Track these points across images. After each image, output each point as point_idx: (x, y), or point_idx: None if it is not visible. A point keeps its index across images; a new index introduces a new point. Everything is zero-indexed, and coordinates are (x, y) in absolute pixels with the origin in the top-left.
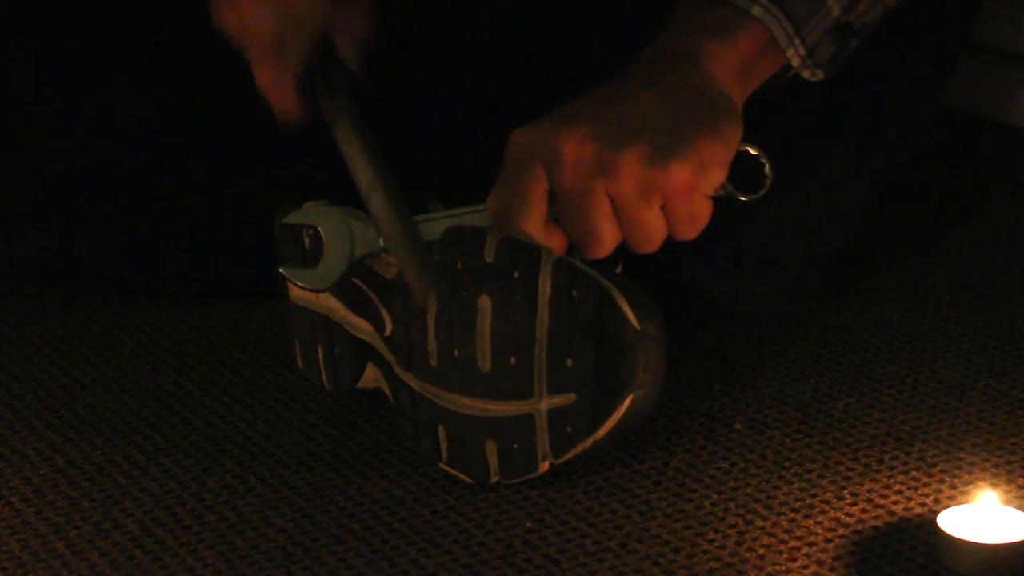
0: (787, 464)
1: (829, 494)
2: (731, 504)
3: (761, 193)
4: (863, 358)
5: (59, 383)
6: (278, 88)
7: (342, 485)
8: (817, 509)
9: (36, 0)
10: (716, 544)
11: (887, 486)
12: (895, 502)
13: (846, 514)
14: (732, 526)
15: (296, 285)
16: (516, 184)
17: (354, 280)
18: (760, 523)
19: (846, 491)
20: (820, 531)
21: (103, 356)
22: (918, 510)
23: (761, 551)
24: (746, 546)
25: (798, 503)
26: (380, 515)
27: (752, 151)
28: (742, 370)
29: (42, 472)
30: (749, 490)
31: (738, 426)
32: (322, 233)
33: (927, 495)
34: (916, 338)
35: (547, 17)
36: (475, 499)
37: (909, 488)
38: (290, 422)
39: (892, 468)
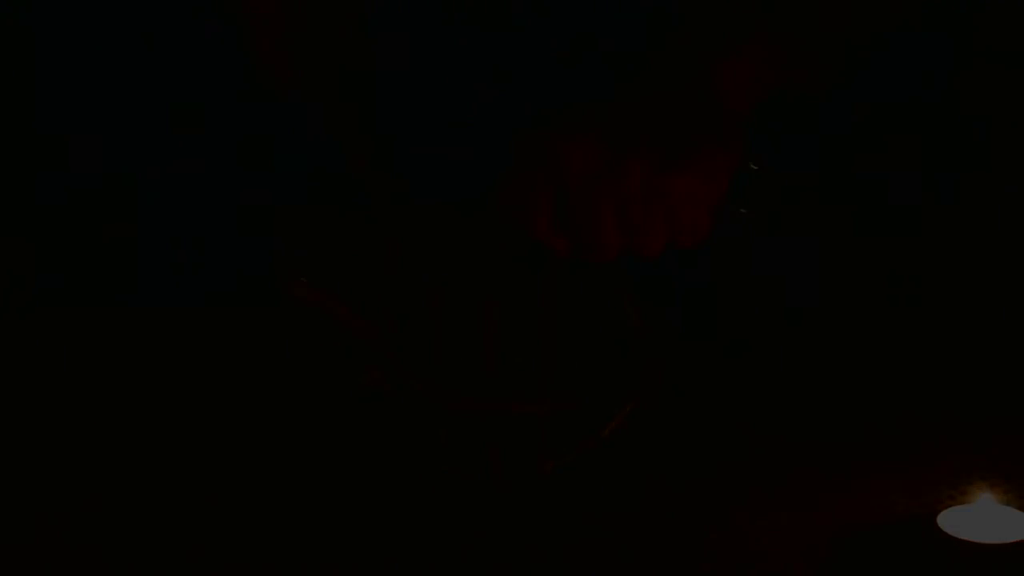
0: (787, 464)
1: (829, 494)
2: (731, 504)
3: (765, 210)
4: (863, 358)
5: (60, 383)
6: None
7: (342, 485)
8: (817, 509)
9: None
10: (716, 544)
11: (887, 486)
12: (895, 502)
13: (846, 514)
14: (732, 526)
15: (299, 281)
16: (522, 188)
17: (358, 279)
18: (760, 523)
19: (846, 491)
20: (820, 531)
21: (103, 356)
22: (918, 510)
23: (761, 551)
24: (746, 546)
25: (798, 503)
26: (380, 515)
27: (756, 168)
28: (742, 371)
29: (43, 472)
30: (749, 490)
31: (738, 426)
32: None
33: (927, 495)
34: (916, 338)
35: (551, 25)
36: (475, 499)
37: (909, 488)
38: (290, 422)
39: (892, 468)
